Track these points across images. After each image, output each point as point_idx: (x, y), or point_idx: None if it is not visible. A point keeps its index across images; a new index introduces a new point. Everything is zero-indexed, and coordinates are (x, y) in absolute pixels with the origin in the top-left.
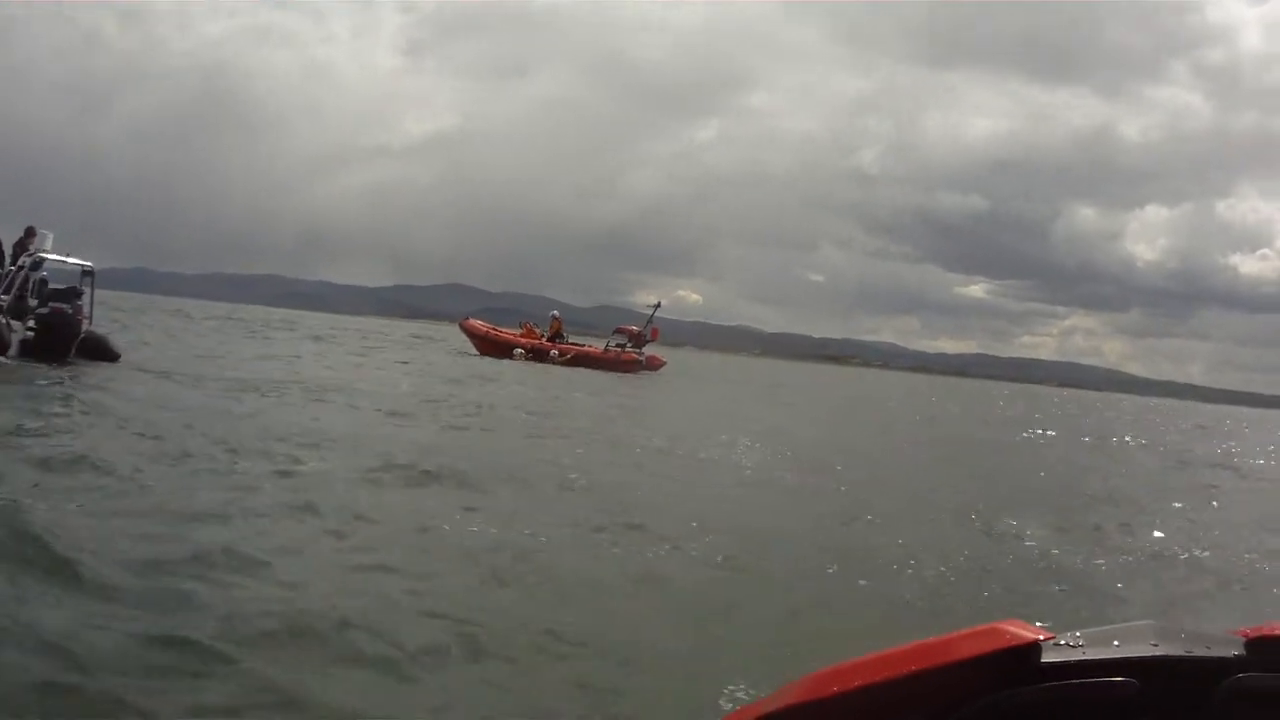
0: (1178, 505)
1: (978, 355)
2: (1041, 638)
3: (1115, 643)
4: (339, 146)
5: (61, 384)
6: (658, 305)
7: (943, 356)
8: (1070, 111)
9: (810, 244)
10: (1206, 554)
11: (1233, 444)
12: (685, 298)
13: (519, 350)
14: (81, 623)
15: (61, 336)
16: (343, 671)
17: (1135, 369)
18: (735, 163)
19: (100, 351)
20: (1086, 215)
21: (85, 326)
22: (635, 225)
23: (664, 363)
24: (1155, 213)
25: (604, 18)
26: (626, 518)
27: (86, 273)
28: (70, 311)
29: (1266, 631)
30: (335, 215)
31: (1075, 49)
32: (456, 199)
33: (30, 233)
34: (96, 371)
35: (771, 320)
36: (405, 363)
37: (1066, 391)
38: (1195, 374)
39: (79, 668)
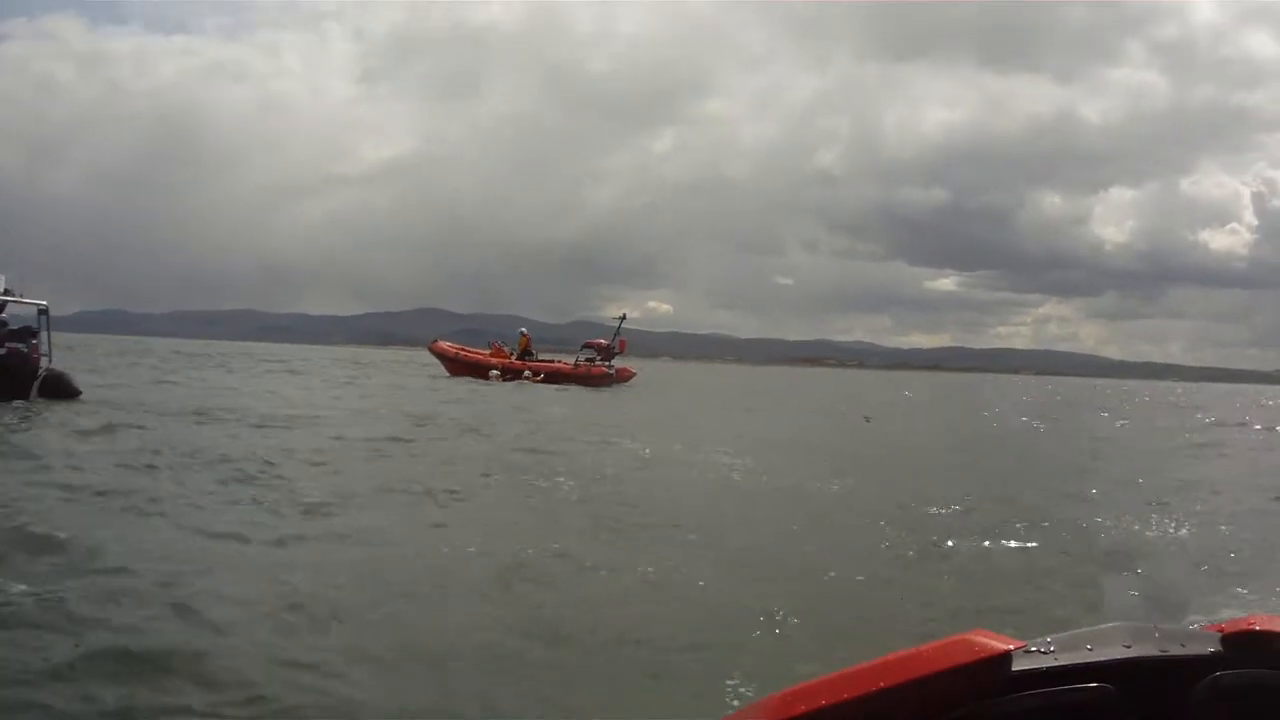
0: (1161, 488)
1: (952, 348)
2: (1012, 647)
3: (1088, 647)
4: (301, 178)
5: (19, 424)
6: (623, 318)
7: (918, 352)
8: (1026, 98)
9: (777, 248)
10: (1185, 533)
11: (1208, 416)
12: (656, 308)
13: (495, 371)
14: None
15: (19, 376)
16: (353, 679)
17: (1113, 352)
18: (695, 170)
19: (61, 389)
20: (1051, 201)
21: (46, 365)
22: (601, 239)
23: (633, 374)
24: (1120, 195)
25: (553, 31)
26: (606, 527)
27: (42, 312)
28: (26, 351)
29: (1244, 626)
30: (303, 247)
31: (1028, 34)
32: (420, 223)
33: None
34: (57, 409)
35: (744, 326)
36: (400, 387)
37: (1043, 379)
38: (1174, 353)
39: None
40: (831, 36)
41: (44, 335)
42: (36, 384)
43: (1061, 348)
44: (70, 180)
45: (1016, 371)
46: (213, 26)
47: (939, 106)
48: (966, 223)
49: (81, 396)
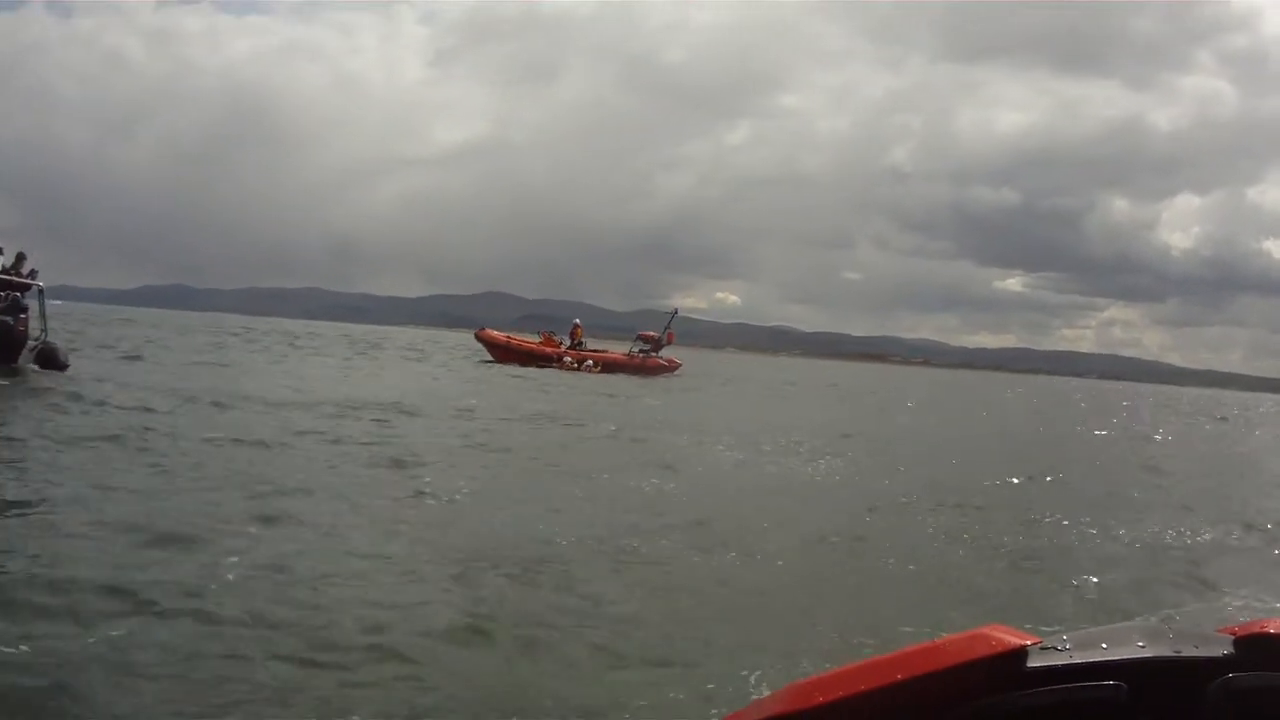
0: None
1: (1018, 349)
2: (1028, 642)
3: (1103, 645)
4: (372, 158)
5: None
6: (675, 312)
7: (984, 351)
8: (1099, 103)
9: (847, 243)
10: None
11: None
12: (724, 299)
13: (568, 359)
14: None
15: (6, 346)
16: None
17: (1175, 359)
18: (769, 163)
19: (50, 361)
20: (1120, 206)
21: (42, 337)
22: (672, 228)
23: (679, 365)
24: (1187, 201)
25: (629, 19)
26: (643, 512)
27: (40, 290)
28: (12, 323)
29: (1256, 629)
30: (372, 227)
31: (1101, 40)
32: (492, 207)
33: (20, 258)
34: (38, 377)
35: (811, 320)
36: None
37: (1108, 384)
38: (1235, 362)
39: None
40: (907, 36)
41: (38, 310)
42: (31, 354)
43: (1126, 353)
44: (139, 156)
45: (1081, 375)
46: (284, 6)
47: (1012, 109)
48: (1036, 224)
49: (69, 370)
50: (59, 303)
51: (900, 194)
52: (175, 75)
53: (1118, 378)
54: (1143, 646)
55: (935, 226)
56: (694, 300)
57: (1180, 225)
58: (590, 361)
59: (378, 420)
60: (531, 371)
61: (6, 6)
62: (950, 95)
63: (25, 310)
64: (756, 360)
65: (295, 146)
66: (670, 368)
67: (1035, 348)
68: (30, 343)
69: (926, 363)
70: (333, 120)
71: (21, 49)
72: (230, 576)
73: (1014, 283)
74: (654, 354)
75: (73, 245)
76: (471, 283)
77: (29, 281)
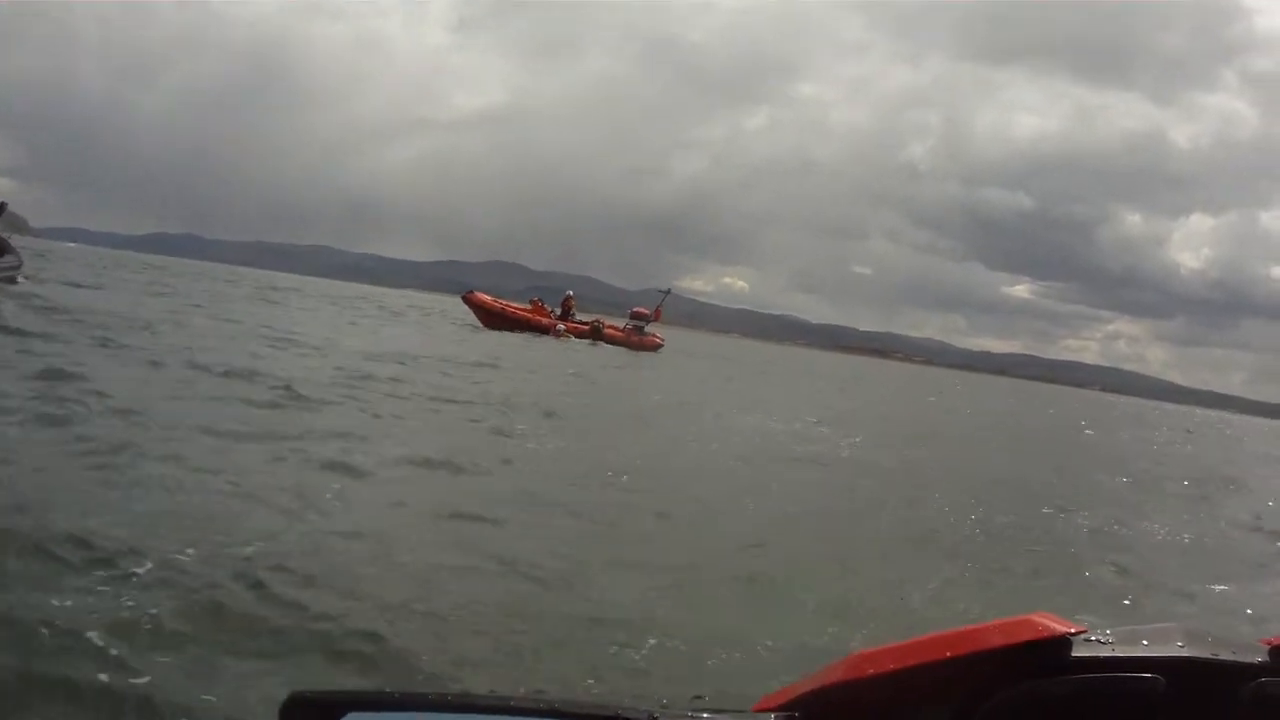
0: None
1: (1022, 356)
2: (1073, 631)
3: (1144, 642)
4: (388, 120)
5: None
6: (667, 292)
7: (987, 355)
8: (1119, 113)
9: (858, 236)
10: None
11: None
12: (731, 284)
13: (560, 328)
14: None
15: None
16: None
17: (1176, 377)
18: (784, 150)
19: None
20: (1133, 220)
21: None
22: (684, 209)
23: (662, 342)
24: (1200, 221)
25: None
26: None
27: None
28: None
29: None
30: (384, 188)
31: (1126, 50)
32: (505, 176)
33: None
34: None
35: (817, 311)
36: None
37: (1111, 397)
38: (1234, 384)
39: None
40: (929, 32)
41: None
42: None
43: (1128, 367)
44: (157, 104)
45: (1083, 386)
46: None
47: (1031, 112)
48: (1047, 231)
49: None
50: (72, 245)
51: (915, 190)
52: (198, 25)
53: (1118, 391)
54: (1182, 646)
55: (946, 225)
56: (701, 283)
57: (1191, 245)
58: (584, 336)
59: None
60: (522, 338)
61: None
62: (968, 94)
63: None
64: (764, 348)
65: (313, 102)
66: (657, 343)
67: (1040, 355)
68: None
69: (929, 362)
70: (352, 78)
71: None
72: None
73: (1021, 289)
74: (644, 330)
75: (85, 188)
76: (479, 250)
77: None
